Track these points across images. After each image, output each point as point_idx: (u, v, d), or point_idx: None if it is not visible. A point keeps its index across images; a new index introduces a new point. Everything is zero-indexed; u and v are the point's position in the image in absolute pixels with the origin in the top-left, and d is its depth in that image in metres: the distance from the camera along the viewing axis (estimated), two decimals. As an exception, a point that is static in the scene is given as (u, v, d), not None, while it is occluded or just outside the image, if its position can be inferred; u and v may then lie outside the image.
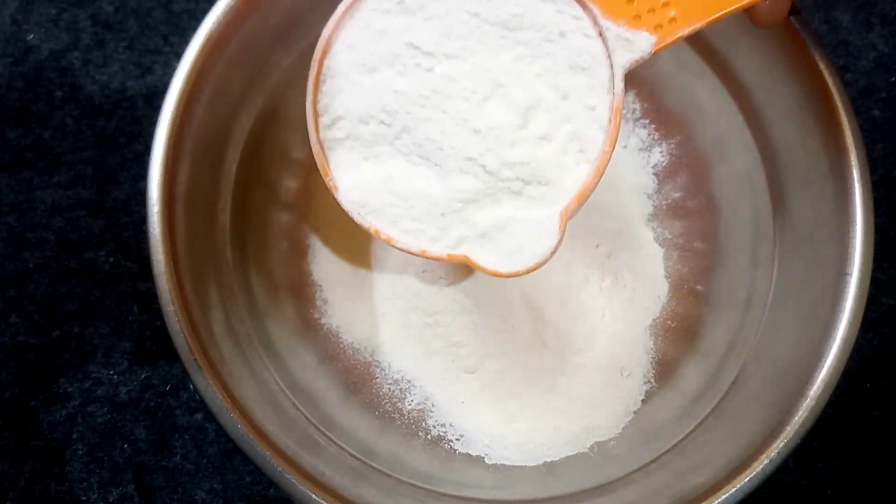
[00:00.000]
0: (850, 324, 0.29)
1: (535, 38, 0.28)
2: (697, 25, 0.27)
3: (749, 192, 0.36)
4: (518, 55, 0.28)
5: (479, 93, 0.28)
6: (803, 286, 0.32)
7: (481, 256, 0.29)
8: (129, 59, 0.44)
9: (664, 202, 0.39)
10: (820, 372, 0.29)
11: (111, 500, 0.39)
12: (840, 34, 0.45)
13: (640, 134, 0.40)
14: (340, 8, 0.29)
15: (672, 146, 0.40)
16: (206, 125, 0.32)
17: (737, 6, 0.27)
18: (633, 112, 0.40)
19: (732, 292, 0.36)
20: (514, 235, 0.28)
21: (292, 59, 0.35)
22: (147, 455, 0.39)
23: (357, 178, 0.30)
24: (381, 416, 0.36)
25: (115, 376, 0.40)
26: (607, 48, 0.28)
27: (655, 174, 0.40)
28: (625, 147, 0.40)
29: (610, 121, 0.28)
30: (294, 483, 0.27)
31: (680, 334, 0.37)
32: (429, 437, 0.36)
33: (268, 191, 0.37)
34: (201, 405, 0.40)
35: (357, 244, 0.38)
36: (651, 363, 0.37)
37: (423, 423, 0.36)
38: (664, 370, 0.37)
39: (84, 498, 0.39)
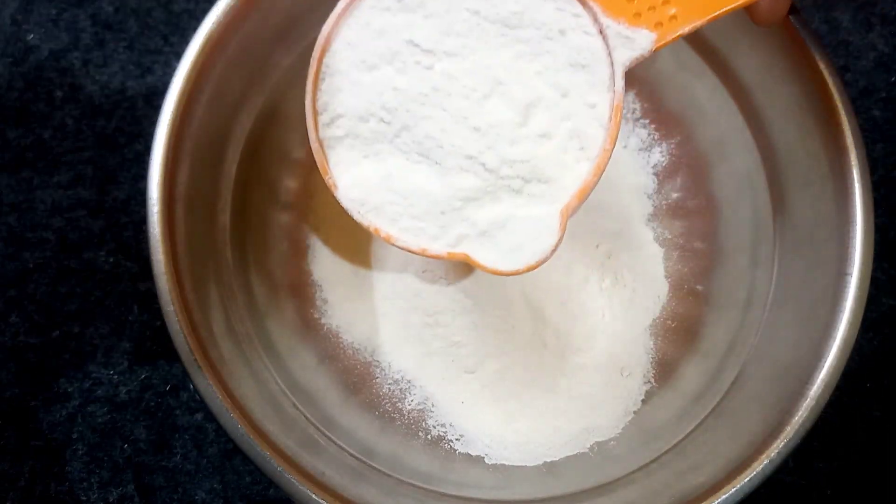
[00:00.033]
0: (850, 324, 0.29)
1: (535, 35, 0.28)
2: (698, 23, 0.27)
3: (749, 192, 0.36)
4: (518, 53, 0.28)
5: (479, 91, 0.28)
6: (803, 286, 0.32)
7: (481, 255, 0.29)
8: (129, 59, 0.44)
9: (664, 202, 0.39)
10: (820, 372, 0.29)
11: (111, 500, 0.39)
12: (840, 34, 0.45)
13: (640, 134, 0.40)
14: (340, 6, 0.29)
15: (672, 146, 0.40)
16: (206, 125, 0.32)
17: (737, 4, 0.27)
18: (633, 112, 0.40)
19: (732, 292, 0.36)
20: (514, 233, 0.28)
21: (292, 59, 0.35)
22: (147, 455, 0.39)
23: (357, 176, 0.30)
24: (381, 416, 0.36)
25: (115, 376, 0.40)
26: (608, 46, 0.28)
27: (655, 174, 0.40)
28: (625, 147, 0.40)
29: (610, 118, 0.28)
30: (294, 483, 0.27)
31: (680, 334, 0.37)
32: (429, 437, 0.36)
33: (268, 191, 0.37)
34: (201, 405, 0.40)
35: (357, 243, 0.38)
36: (651, 363, 0.37)
37: (423, 423, 0.36)
38: (664, 370, 0.37)
39: (84, 498, 0.39)
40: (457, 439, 0.36)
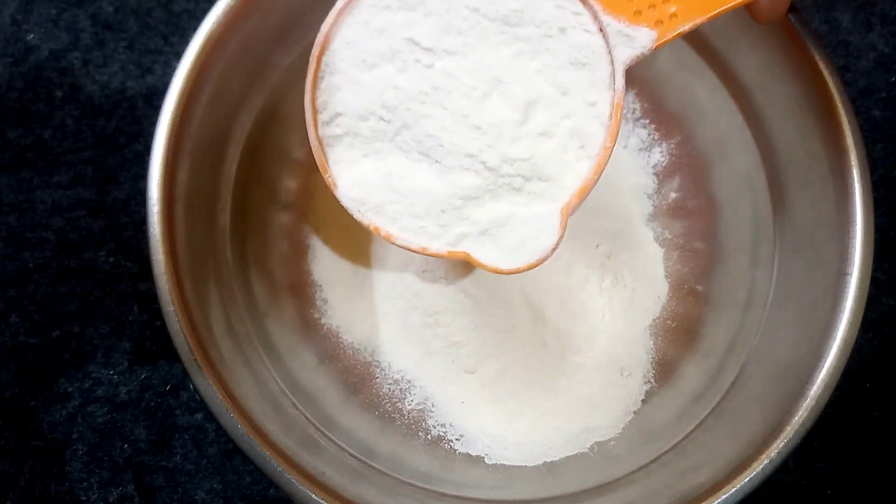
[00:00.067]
0: (850, 324, 0.29)
1: (536, 33, 0.28)
2: (698, 21, 0.27)
3: (749, 192, 0.36)
4: (518, 51, 0.28)
5: (480, 89, 0.28)
6: (803, 286, 0.32)
7: (482, 253, 0.29)
8: (129, 59, 0.44)
9: (664, 202, 0.39)
10: (820, 372, 0.29)
11: (111, 500, 0.39)
12: (840, 34, 0.45)
13: (640, 134, 0.40)
14: (339, 4, 0.29)
15: (672, 146, 0.40)
16: (206, 125, 0.32)
17: (737, 2, 0.27)
18: (633, 112, 0.40)
19: (732, 292, 0.36)
20: (514, 232, 0.28)
21: (292, 59, 0.35)
22: (147, 455, 0.39)
23: (356, 174, 0.30)
24: (381, 416, 0.36)
25: (115, 376, 0.40)
26: (608, 44, 0.28)
27: (655, 174, 0.40)
28: (625, 147, 0.40)
29: (611, 117, 0.28)
30: (294, 483, 0.27)
31: (680, 334, 0.37)
32: (429, 437, 0.36)
33: (268, 191, 0.37)
34: (201, 405, 0.40)
35: (357, 243, 0.38)
36: (651, 363, 0.37)
37: (423, 423, 0.36)
38: (664, 370, 0.37)
39: (84, 498, 0.39)
40: (457, 439, 0.36)
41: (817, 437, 0.39)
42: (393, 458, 0.34)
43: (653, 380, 0.37)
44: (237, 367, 0.31)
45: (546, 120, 0.28)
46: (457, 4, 0.28)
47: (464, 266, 0.37)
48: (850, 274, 0.30)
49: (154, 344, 0.40)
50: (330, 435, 0.33)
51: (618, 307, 0.38)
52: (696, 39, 0.36)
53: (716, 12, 0.27)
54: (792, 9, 0.30)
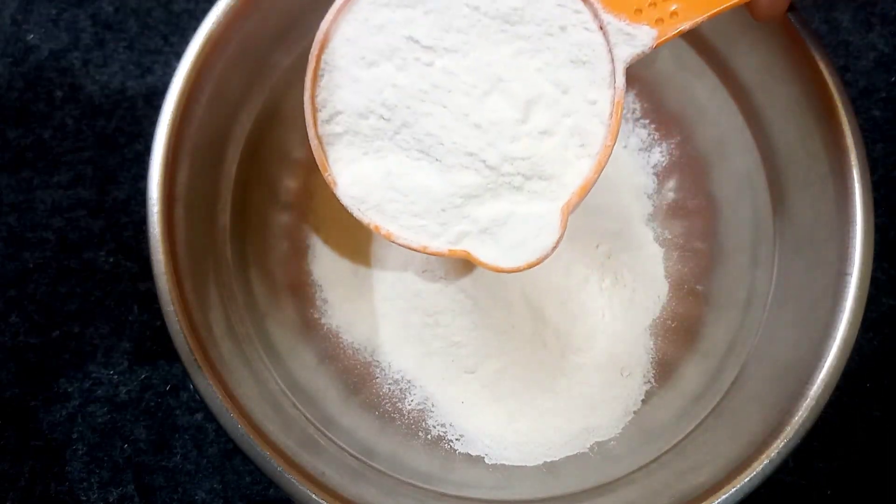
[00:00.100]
0: (850, 324, 0.29)
1: (536, 32, 0.28)
2: (699, 19, 0.27)
3: (749, 192, 0.36)
4: (518, 49, 0.28)
5: (480, 87, 0.28)
6: (803, 286, 0.32)
7: (482, 252, 0.29)
8: (129, 59, 0.44)
9: (664, 202, 0.39)
10: (820, 372, 0.29)
11: (111, 500, 0.39)
12: (840, 34, 0.45)
13: (640, 134, 0.40)
14: (338, 1, 0.29)
15: (672, 146, 0.40)
16: (206, 125, 0.32)
17: (737, 0, 0.27)
18: (633, 112, 0.40)
19: (732, 292, 0.36)
20: (515, 231, 0.28)
21: (292, 59, 0.35)
22: (147, 455, 0.39)
23: (356, 173, 0.29)
24: (381, 416, 0.36)
25: (115, 376, 0.40)
26: (608, 42, 0.28)
27: (655, 174, 0.40)
28: (625, 147, 0.40)
29: (611, 115, 0.28)
30: (294, 483, 0.27)
31: (680, 334, 0.37)
32: (429, 437, 0.36)
33: (268, 191, 0.37)
34: (201, 405, 0.40)
35: (357, 244, 0.38)
36: (651, 363, 0.37)
37: (423, 423, 0.36)
38: (664, 370, 0.37)
39: (84, 498, 0.39)
40: (457, 439, 0.36)
41: (817, 437, 0.39)
42: (393, 458, 0.34)
43: (653, 380, 0.37)
44: (237, 367, 0.31)
45: (546, 118, 0.28)
46: (457, 2, 0.28)
47: (464, 265, 0.37)
48: (850, 274, 0.30)
49: (154, 344, 0.40)
50: (330, 435, 0.33)
51: (618, 307, 0.38)
52: (696, 39, 0.36)
53: (716, 10, 0.27)
54: (791, 7, 0.30)
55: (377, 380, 0.37)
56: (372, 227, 0.29)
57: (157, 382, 0.40)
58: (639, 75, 0.39)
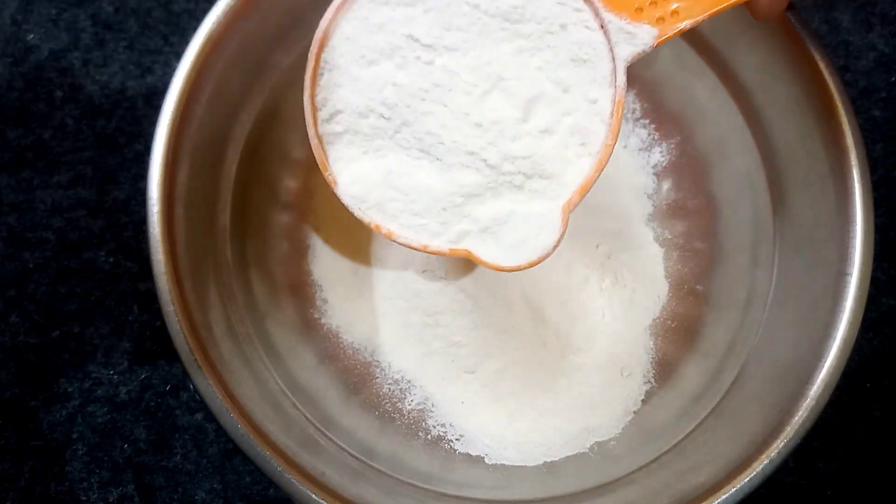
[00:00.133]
0: (850, 324, 0.29)
1: (536, 30, 0.28)
2: (699, 18, 0.27)
3: (749, 192, 0.36)
4: (519, 48, 0.28)
5: (481, 86, 0.28)
6: (803, 286, 0.32)
7: (483, 251, 0.29)
8: (129, 59, 0.44)
9: (664, 202, 0.39)
10: (820, 372, 0.29)
11: (111, 500, 0.39)
12: (840, 34, 0.45)
13: (640, 134, 0.40)
14: (337, 0, 0.29)
15: (672, 146, 0.40)
16: (206, 125, 0.32)
17: None
18: (633, 112, 0.40)
19: (732, 292, 0.36)
20: (516, 230, 0.28)
21: (292, 60, 0.35)
22: (147, 455, 0.39)
23: (357, 172, 0.29)
24: (381, 416, 0.36)
25: (115, 376, 0.40)
26: (609, 41, 0.28)
27: (655, 174, 0.40)
28: (625, 147, 0.40)
29: (612, 114, 0.28)
30: (294, 483, 0.27)
31: (680, 334, 0.37)
32: (429, 437, 0.36)
33: (268, 191, 0.37)
34: (201, 405, 0.40)
35: (357, 243, 0.38)
36: (651, 363, 0.37)
37: (423, 423, 0.36)
38: (664, 370, 0.37)
39: (84, 498, 0.39)
40: (457, 439, 0.36)
41: (817, 437, 0.39)
42: (393, 458, 0.34)
43: (653, 380, 0.37)
44: (237, 367, 0.31)
45: (547, 117, 0.28)
46: (457, 0, 0.28)
47: (464, 265, 0.37)
48: (850, 274, 0.30)
49: (154, 344, 0.40)
50: (330, 435, 0.33)
51: (618, 307, 0.38)
52: (696, 39, 0.36)
53: (717, 9, 0.27)
54: (790, 7, 0.30)
55: (377, 380, 0.37)
56: (373, 226, 0.29)
57: (157, 382, 0.40)
58: (639, 75, 0.39)
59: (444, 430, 0.36)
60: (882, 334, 0.41)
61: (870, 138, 0.43)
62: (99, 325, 0.41)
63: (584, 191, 0.28)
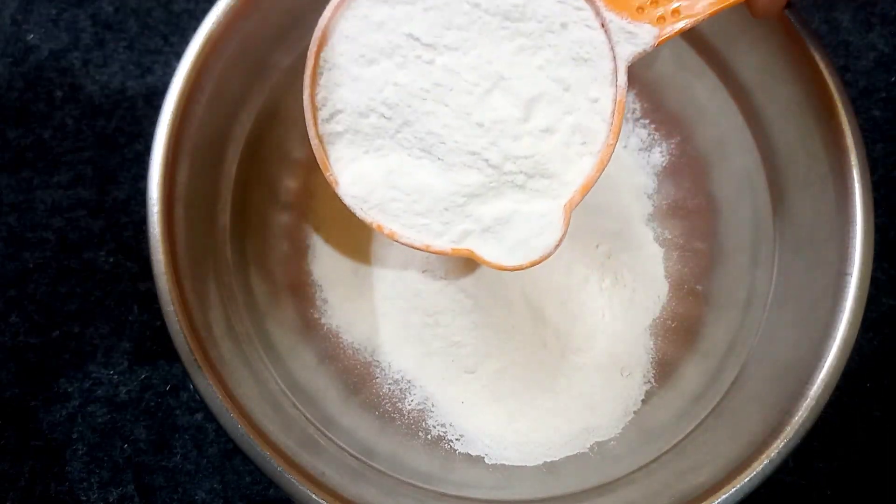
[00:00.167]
0: (850, 324, 0.29)
1: (537, 29, 0.28)
2: (700, 17, 0.27)
3: (749, 192, 0.36)
4: (520, 47, 0.28)
5: (482, 86, 0.28)
6: (803, 286, 0.32)
7: (486, 250, 0.29)
8: (129, 59, 0.44)
9: (664, 202, 0.39)
10: (820, 372, 0.29)
11: (111, 500, 0.39)
12: (840, 34, 0.45)
13: (640, 134, 0.40)
14: None
15: (672, 146, 0.40)
16: (206, 125, 0.32)
17: None
18: (633, 112, 0.40)
19: (732, 292, 0.36)
20: (517, 229, 0.28)
21: (292, 59, 0.35)
22: (147, 455, 0.39)
23: (357, 172, 0.29)
24: (381, 416, 0.36)
25: (115, 376, 0.40)
26: (610, 40, 0.28)
27: (655, 174, 0.40)
28: (625, 147, 0.40)
29: (613, 113, 0.28)
30: (294, 483, 0.27)
31: (680, 334, 0.37)
32: (429, 437, 0.36)
33: (268, 191, 0.37)
34: (201, 405, 0.40)
35: (357, 243, 0.38)
36: (651, 363, 0.37)
37: (423, 423, 0.36)
38: (664, 370, 0.37)
39: (84, 498, 0.39)
40: (457, 439, 0.36)
41: (817, 437, 0.39)
42: (393, 458, 0.34)
43: (653, 380, 0.37)
44: (237, 367, 0.31)
45: (548, 116, 0.28)
46: None
47: (464, 265, 0.37)
48: (850, 274, 0.30)
49: (154, 344, 0.40)
50: (330, 435, 0.33)
51: (618, 307, 0.38)
52: (696, 39, 0.36)
53: (717, 8, 0.27)
54: (789, 5, 0.30)
55: (377, 380, 0.37)
56: (375, 226, 0.29)
57: (157, 382, 0.40)
58: (639, 75, 0.39)
59: (444, 430, 0.36)
60: (882, 334, 0.41)
61: (870, 138, 0.43)
62: (99, 325, 0.41)
63: (586, 190, 0.28)
